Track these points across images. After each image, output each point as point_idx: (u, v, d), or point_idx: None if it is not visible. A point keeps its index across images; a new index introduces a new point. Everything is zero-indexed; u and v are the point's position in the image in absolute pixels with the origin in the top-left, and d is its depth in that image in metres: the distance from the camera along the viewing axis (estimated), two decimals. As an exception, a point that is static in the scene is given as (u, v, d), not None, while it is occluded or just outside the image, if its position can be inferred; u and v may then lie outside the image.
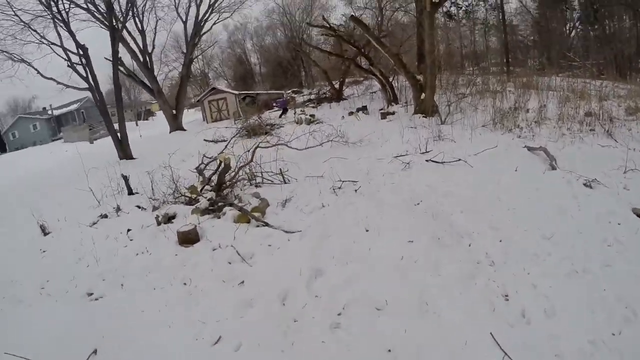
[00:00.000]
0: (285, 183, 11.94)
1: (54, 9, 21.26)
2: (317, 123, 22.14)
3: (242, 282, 6.81)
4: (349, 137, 16.07)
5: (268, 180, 12.19)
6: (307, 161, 14.05)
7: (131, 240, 9.20)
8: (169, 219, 9.88)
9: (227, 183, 11.42)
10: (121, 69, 30.06)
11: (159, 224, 9.65)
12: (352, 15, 20.86)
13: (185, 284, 6.98)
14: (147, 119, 70.14)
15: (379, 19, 34.92)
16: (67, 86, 22.43)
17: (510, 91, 21.43)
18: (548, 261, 6.61)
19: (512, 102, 18.68)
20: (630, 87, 21.43)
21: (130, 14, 30.03)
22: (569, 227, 7.56)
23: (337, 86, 34.42)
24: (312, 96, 36.64)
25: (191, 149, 18.71)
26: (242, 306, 6.13)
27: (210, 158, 13.76)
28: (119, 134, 22.48)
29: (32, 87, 27.12)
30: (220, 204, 10.01)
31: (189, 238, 8.39)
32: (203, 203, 10.08)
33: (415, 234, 7.60)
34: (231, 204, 9.69)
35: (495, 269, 6.50)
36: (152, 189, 12.33)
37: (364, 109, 24.37)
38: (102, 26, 24.26)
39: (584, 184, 9.58)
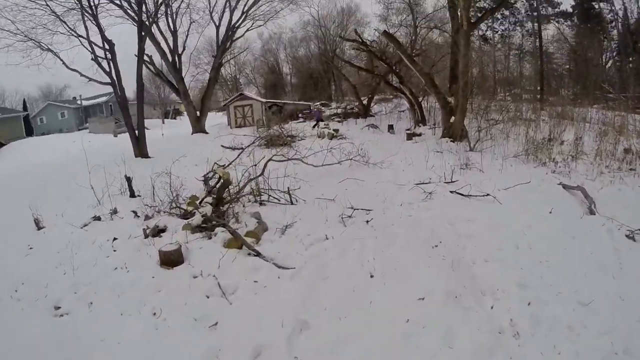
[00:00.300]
0: (292, 204, 10.61)
1: (85, 2, 20.55)
2: (340, 138, 20.90)
3: (216, 323, 5.63)
4: (370, 157, 14.79)
5: (274, 198, 10.89)
6: (322, 180, 12.83)
7: (114, 251, 8.18)
8: (159, 231, 8.68)
9: (228, 198, 10.13)
10: (150, 67, 29.96)
11: (146, 236, 8.52)
12: (384, 31, 19.58)
13: (154, 314, 5.90)
14: (174, 118, 69.91)
15: (413, 37, 33.57)
16: (90, 79, 21.60)
17: (543, 120, 19.96)
18: (584, 336, 5.24)
19: (546, 132, 17.31)
20: None
21: (163, 13, 29.77)
22: (609, 290, 6.27)
23: (365, 102, 33.08)
24: (339, 110, 35.31)
25: (207, 153, 17.52)
26: (208, 357, 5.01)
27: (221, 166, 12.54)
28: (137, 132, 21.45)
29: (63, 77, 26.72)
30: (214, 222, 8.71)
31: (170, 259, 7.22)
32: (196, 219, 8.83)
33: (429, 288, 6.19)
34: (224, 225, 8.42)
35: (519, 343, 5.12)
36: (153, 194, 11.23)
37: (390, 128, 22.94)
38: (133, 22, 23.34)
39: (627, 236, 8.25)
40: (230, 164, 13.12)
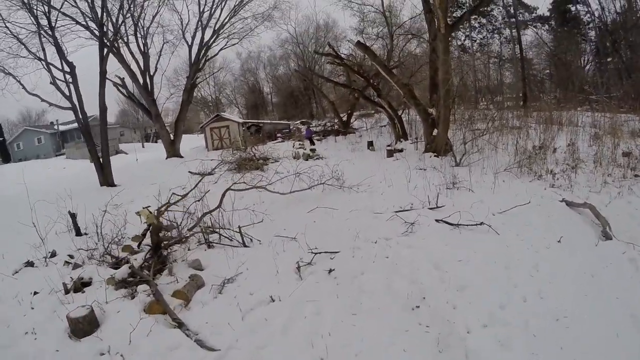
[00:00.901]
0: (245, 246, 8.40)
1: (44, 22, 18.69)
2: (317, 158, 18.86)
3: None
4: (346, 180, 12.65)
5: (226, 238, 8.67)
6: (289, 209, 10.75)
7: (32, 308, 6.13)
8: (82, 285, 6.68)
9: (172, 240, 7.99)
10: (121, 89, 27.99)
11: (66, 291, 6.50)
12: (358, 42, 17.56)
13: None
14: (155, 141, 66.79)
15: (389, 48, 31.49)
16: (51, 104, 19.48)
17: (531, 127, 18.02)
18: None
19: (536, 139, 15.37)
20: None
21: (133, 34, 27.82)
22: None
23: (345, 118, 31.01)
24: (319, 128, 33.22)
25: (174, 180, 15.29)
26: None
27: (180, 196, 10.54)
28: (101, 159, 19.26)
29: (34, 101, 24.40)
30: (138, 277, 6.61)
31: (79, 328, 5.32)
32: (121, 271, 6.75)
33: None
34: (148, 282, 6.30)
35: None
36: (99, 234, 8.72)
37: (369, 144, 20.76)
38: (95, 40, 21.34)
39: None
40: (184, 196, 10.86)
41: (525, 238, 7.46)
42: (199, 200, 10.06)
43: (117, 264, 7.51)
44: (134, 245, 8.50)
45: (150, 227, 7.61)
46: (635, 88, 28.04)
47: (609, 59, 36.52)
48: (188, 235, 8.59)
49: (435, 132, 15.68)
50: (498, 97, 38.15)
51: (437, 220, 8.42)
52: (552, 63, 39.98)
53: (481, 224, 7.90)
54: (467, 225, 7.99)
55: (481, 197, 9.75)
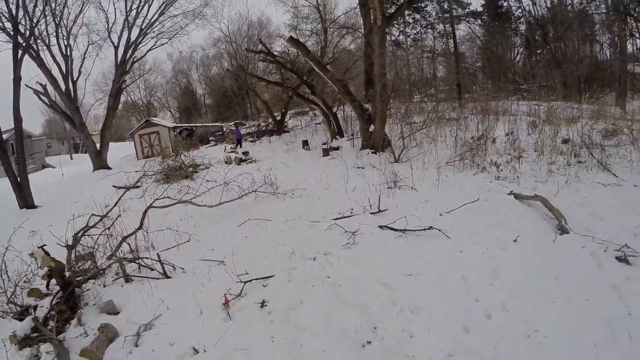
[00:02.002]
0: (167, 277, 7.21)
1: None
2: (250, 162, 17.79)
3: None
4: (280, 185, 11.67)
5: (146, 267, 7.48)
6: (219, 224, 9.74)
7: None
8: None
9: (80, 280, 6.75)
10: (43, 98, 25.75)
11: None
12: (290, 37, 16.56)
13: None
14: (85, 152, 63.08)
15: (323, 44, 30.66)
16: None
17: (467, 117, 17.87)
18: None
19: (475, 130, 15.08)
20: (587, 107, 19.24)
21: (54, 35, 25.49)
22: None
23: (279, 117, 29.74)
24: (253, 129, 32.04)
25: (99, 196, 13.74)
26: None
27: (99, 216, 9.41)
28: (19, 178, 17.34)
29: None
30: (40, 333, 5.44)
31: None
32: (23, 326, 5.63)
33: None
34: (50, 339, 5.11)
35: None
36: (3, 275, 7.18)
37: (304, 144, 19.81)
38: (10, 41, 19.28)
39: (618, 258, 6.01)
40: (102, 218, 9.50)
41: (479, 240, 6.79)
42: (110, 227, 8.75)
43: (22, 313, 6.35)
44: (44, 286, 7.13)
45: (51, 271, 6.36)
46: (564, 77, 28.94)
47: (539, 51, 37.96)
48: (104, 267, 7.38)
49: (372, 127, 14.97)
50: (432, 91, 38.46)
51: (381, 227, 7.58)
52: (484, 56, 41.03)
53: (430, 228, 7.13)
54: (414, 230, 7.19)
55: (426, 196, 9.04)
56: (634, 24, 22.28)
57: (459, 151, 12.32)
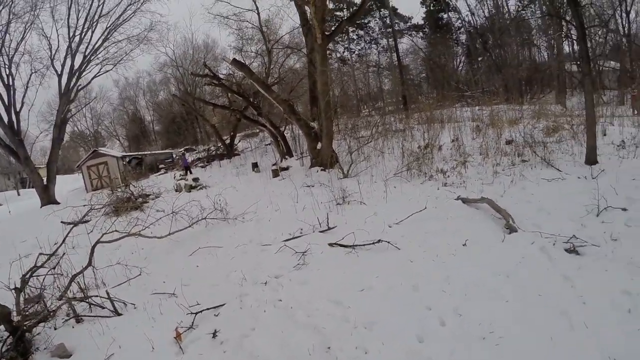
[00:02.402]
0: (117, 314, 6.80)
1: None
2: (200, 188, 17.40)
3: None
4: (231, 210, 11.37)
5: (96, 306, 7.04)
6: (170, 255, 9.31)
7: None
8: None
9: (29, 324, 6.29)
10: None
11: None
12: (233, 59, 16.40)
13: None
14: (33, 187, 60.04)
15: (268, 64, 30.41)
16: None
17: (413, 128, 18.11)
18: None
19: (421, 139, 15.22)
20: (527, 107, 19.84)
21: None
22: (587, 350, 4.16)
23: (228, 141, 29.25)
24: (202, 154, 31.52)
25: (48, 233, 13.02)
26: None
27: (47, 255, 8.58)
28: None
29: None
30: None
31: None
32: None
33: None
34: None
35: None
36: None
37: (254, 166, 19.54)
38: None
39: (566, 250, 6.15)
40: (50, 257, 8.94)
41: (428, 248, 6.76)
42: (55, 266, 8.28)
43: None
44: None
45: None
46: (505, 81, 30.03)
47: (480, 59, 39.40)
48: (54, 308, 6.93)
49: (319, 145, 14.94)
50: (379, 104, 38.99)
51: (330, 245, 7.47)
52: (428, 67, 42.07)
53: (379, 241, 7.05)
54: (363, 245, 7.11)
55: (374, 209, 9.03)
56: (568, 26, 23.40)
57: (406, 161, 12.39)
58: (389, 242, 6.99)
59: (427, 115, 18.98)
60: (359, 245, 7.12)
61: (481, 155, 12.32)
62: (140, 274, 8.26)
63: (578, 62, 20.90)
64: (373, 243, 7.05)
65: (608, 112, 15.95)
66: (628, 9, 30.04)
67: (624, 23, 30.99)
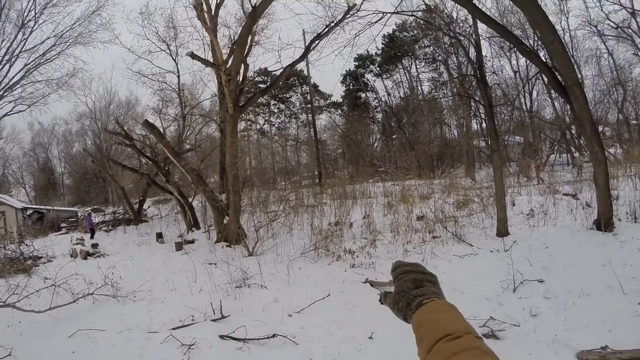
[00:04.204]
0: None
1: None
2: (98, 256, 15.75)
3: None
4: (124, 284, 9.95)
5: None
6: (50, 333, 7.76)
7: None
8: None
9: None
10: None
11: None
12: (145, 120, 15.54)
13: None
14: None
15: (181, 130, 29.09)
16: None
17: (325, 203, 17.86)
18: None
19: (332, 216, 14.90)
20: (439, 182, 20.54)
21: None
22: None
23: (137, 206, 27.62)
24: (108, 217, 29.35)
25: None
26: None
27: None
28: None
29: None
30: None
31: None
32: None
33: None
34: None
35: None
36: None
37: (158, 236, 18.24)
38: None
39: (484, 335, 5.70)
40: None
41: (330, 343, 5.97)
42: None
43: None
44: None
45: None
46: (418, 158, 31.35)
47: (394, 136, 41.14)
48: None
49: (226, 219, 14.09)
50: (296, 177, 39.06)
51: (221, 337, 6.43)
52: (345, 143, 43.26)
53: (274, 335, 6.12)
54: (257, 339, 6.15)
55: (275, 294, 8.16)
56: (476, 106, 24.98)
57: (314, 240, 11.79)
58: (285, 337, 6.09)
59: (341, 191, 18.78)
60: (252, 339, 6.14)
61: (392, 233, 11.96)
62: (9, 354, 6.85)
63: (486, 139, 22.35)
64: (268, 337, 6.11)
65: (515, 182, 16.54)
66: (531, 89, 34.01)
67: (526, 102, 35.04)
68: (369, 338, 6.02)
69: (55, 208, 33.83)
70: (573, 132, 30.27)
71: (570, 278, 7.30)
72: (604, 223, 9.36)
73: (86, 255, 15.85)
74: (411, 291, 1.06)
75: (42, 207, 33.40)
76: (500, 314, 6.20)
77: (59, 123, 49.82)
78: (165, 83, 28.96)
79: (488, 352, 0.83)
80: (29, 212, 30.21)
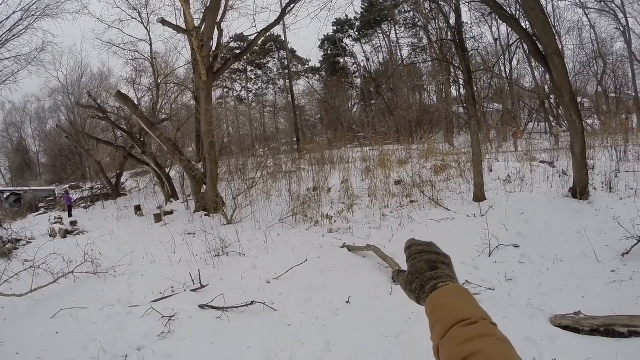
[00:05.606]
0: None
1: None
2: (77, 233, 15.48)
3: None
4: (104, 260, 9.88)
5: None
6: (31, 317, 7.62)
7: None
8: None
9: None
10: None
11: None
12: (118, 91, 14.99)
13: None
14: None
15: (156, 99, 28.33)
16: None
17: (304, 169, 17.79)
18: None
19: (310, 182, 14.88)
20: (417, 147, 20.27)
21: None
22: None
23: (115, 180, 27.05)
24: (86, 193, 28.91)
25: None
26: None
27: None
28: None
29: None
30: None
31: None
32: None
33: None
34: None
35: None
36: None
37: (137, 209, 18.08)
38: None
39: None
40: None
41: (308, 308, 6.02)
42: None
43: None
44: None
45: None
46: (396, 123, 31.28)
47: (373, 101, 40.94)
48: None
49: (203, 188, 13.96)
50: (274, 144, 38.90)
51: (201, 307, 6.43)
52: (323, 108, 42.76)
53: (252, 303, 6.14)
54: (236, 307, 6.17)
55: (254, 262, 8.14)
56: (455, 72, 24.84)
57: (292, 206, 11.77)
58: (264, 303, 6.13)
59: (319, 156, 18.71)
60: (231, 308, 6.17)
61: (369, 198, 11.99)
62: (-1, 343, 6.77)
63: (464, 105, 22.35)
64: (247, 305, 6.13)
65: (493, 149, 16.61)
66: (511, 57, 33.54)
67: (506, 70, 34.59)
68: (346, 302, 6.08)
69: (32, 188, 32.91)
70: (552, 101, 30.55)
71: (545, 244, 7.44)
72: (580, 191, 9.50)
73: (65, 233, 15.54)
74: (425, 273, 1.06)
75: (18, 188, 32.46)
76: (476, 278, 6.32)
77: (30, 100, 47.63)
78: (138, 52, 28.07)
79: (503, 340, 0.83)
80: (6, 194, 29.35)
